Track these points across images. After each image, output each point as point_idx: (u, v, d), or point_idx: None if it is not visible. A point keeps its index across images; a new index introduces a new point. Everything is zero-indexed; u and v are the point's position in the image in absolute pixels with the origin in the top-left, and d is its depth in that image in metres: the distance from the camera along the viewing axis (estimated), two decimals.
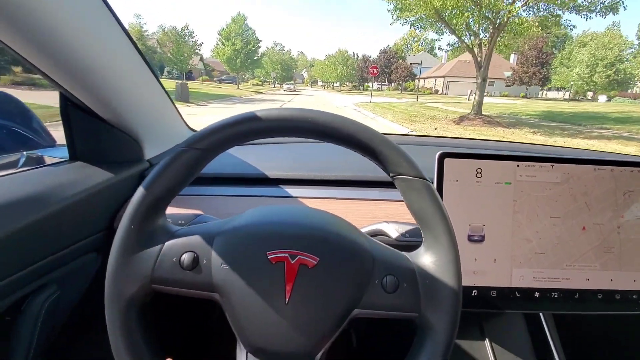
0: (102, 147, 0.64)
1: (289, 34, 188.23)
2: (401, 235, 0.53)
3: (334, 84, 65.91)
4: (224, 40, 36.59)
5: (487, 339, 0.66)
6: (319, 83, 79.62)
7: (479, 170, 0.54)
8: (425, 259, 0.39)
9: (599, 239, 0.56)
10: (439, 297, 0.37)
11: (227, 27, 36.81)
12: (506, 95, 41.57)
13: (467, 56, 49.78)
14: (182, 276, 0.36)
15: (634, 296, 0.57)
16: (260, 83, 54.91)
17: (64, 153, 0.63)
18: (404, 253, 0.40)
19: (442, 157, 0.54)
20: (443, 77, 44.30)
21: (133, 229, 0.36)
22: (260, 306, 0.35)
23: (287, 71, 58.35)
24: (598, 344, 0.83)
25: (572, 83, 32.46)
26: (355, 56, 52.05)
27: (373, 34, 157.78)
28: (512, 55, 49.04)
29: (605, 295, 0.56)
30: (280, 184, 0.73)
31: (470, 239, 0.54)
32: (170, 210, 0.51)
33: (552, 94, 41.30)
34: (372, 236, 0.45)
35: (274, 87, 54.76)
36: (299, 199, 0.68)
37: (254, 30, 35.83)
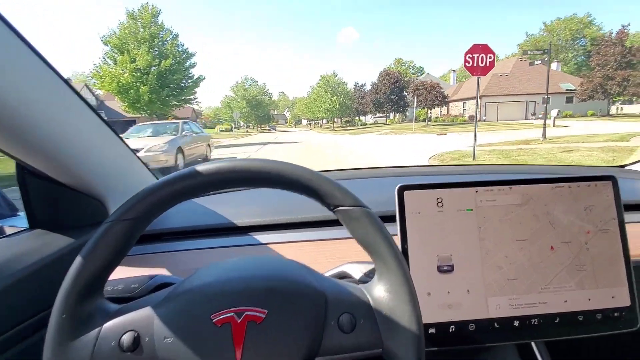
0: (63, 212, 0.65)
1: (270, 76, 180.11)
2: (364, 275, 0.52)
3: (322, 121, 53.24)
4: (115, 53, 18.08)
5: None
6: (304, 122, 68.07)
7: (439, 200, 0.56)
8: (379, 288, 0.39)
9: (569, 257, 0.57)
10: (399, 325, 0.37)
11: (120, 31, 17.81)
12: (569, 115, 28.42)
13: (503, 67, 37.07)
14: None
15: (615, 314, 0.57)
16: (228, 128, 41.11)
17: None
18: (360, 286, 0.41)
19: (402, 190, 0.56)
20: (479, 97, 30.12)
21: (65, 317, 0.35)
22: None
23: (260, 109, 44.52)
24: None
25: None
26: (345, 84, 39.17)
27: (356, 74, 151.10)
28: (555, 64, 36.37)
29: (585, 316, 0.56)
30: (250, 232, 0.75)
31: (440, 269, 0.55)
32: (126, 272, 0.56)
33: (629, 108, 28.24)
34: (336, 277, 0.48)
35: (246, 131, 40.48)
36: (269, 245, 0.70)
37: (176, 35, 19.01)
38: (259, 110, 46.18)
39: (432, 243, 0.55)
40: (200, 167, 0.38)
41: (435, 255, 0.55)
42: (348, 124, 47.47)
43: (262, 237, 0.72)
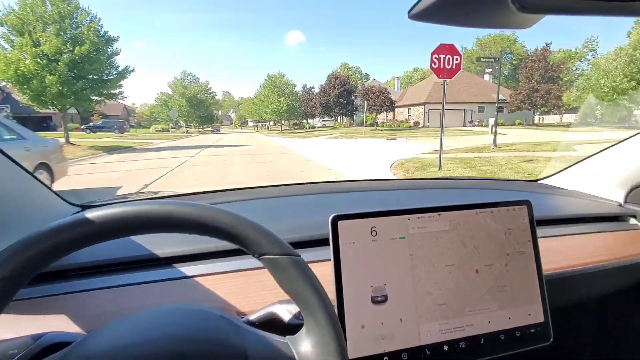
0: None
1: (214, 75, 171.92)
2: (294, 316, 0.50)
3: (269, 123, 51.63)
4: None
5: None
6: (250, 123, 65.77)
7: (373, 229, 0.57)
8: (306, 342, 0.38)
9: (492, 279, 0.60)
10: None
11: (20, 9, 13.16)
12: (501, 124, 30.71)
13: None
14: None
15: (531, 330, 0.61)
16: (165, 128, 37.48)
17: None
18: (286, 338, 0.40)
19: (336, 220, 0.55)
20: (423, 104, 31.59)
21: None
22: None
23: (202, 108, 41.34)
24: None
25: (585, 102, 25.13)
26: (294, 86, 38.13)
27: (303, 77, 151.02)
28: (487, 75, 39.45)
29: (506, 335, 0.60)
30: (175, 263, 0.67)
31: (374, 300, 0.55)
32: (13, 324, 0.50)
33: (548, 119, 31.73)
34: (264, 322, 0.47)
35: (186, 131, 37.35)
36: (196, 278, 0.63)
37: (95, 17, 14.83)
38: (200, 110, 43.07)
39: (366, 273, 0.55)
40: (98, 213, 0.33)
41: (369, 286, 0.55)
42: (296, 127, 46.71)
43: (188, 268, 0.65)
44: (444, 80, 7.00)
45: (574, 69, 35.20)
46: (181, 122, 44.63)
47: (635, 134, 1.01)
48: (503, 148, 11.45)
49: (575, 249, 0.84)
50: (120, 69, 15.50)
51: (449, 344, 0.57)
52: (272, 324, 0.49)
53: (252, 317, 0.50)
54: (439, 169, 7.42)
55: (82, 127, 29.93)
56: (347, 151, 13.93)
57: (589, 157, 1.16)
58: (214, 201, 0.94)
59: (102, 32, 14.54)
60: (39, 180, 0.72)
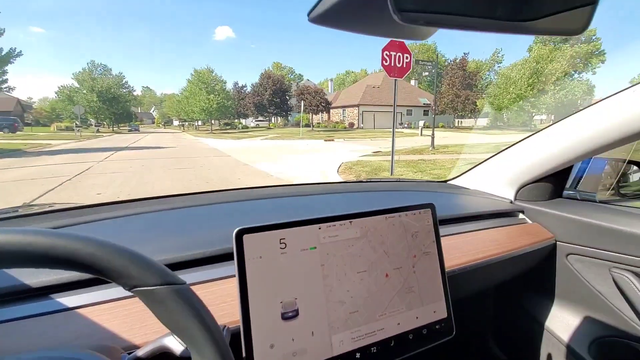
0: None
1: (131, 69, 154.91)
2: (186, 349, 0.44)
3: (197, 123, 48.15)
4: None
5: None
6: (175, 123, 60.81)
7: (282, 241, 0.55)
8: None
9: (400, 281, 0.62)
10: None
11: None
12: (427, 127, 33.08)
13: (375, 80, 40.27)
14: None
15: (437, 326, 0.64)
16: (70, 127, 32.17)
17: None
18: None
19: (240, 234, 0.51)
20: (357, 106, 32.32)
21: None
22: None
23: (116, 105, 36.56)
24: None
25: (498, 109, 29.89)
26: (224, 83, 35.89)
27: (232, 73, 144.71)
28: (413, 81, 42.18)
29: (414, 334, 0.62)
30: (52, 293, 0.57)
31: (284, 317, 0.53)
32: None
33: (465, 122, 34.97)
34: (154, 356, 0.43)
35: (97, 131, 32.59)
36: (77, 310, 0.54)
37: None
38: (115, 107, 38.10)
39: (275, 289, 0.53)
40: None
41: (279, 302, 0.53)
42: (228, 127, 44.47)
43: (67, 299, 0.56)
44: (395, 80, 6.54)
45: (484, 78, 39.18)
46: (91, 120, 38.88)
47: (524, 138, 1.13)
48: (441, 150, 11.72)
49: (474, 244, 0.91)
50: (2, 53, 12.32)
51: (361, 350, 0.57)
52: (163, 358, 0.44)
53: (140, 353, 0.44)
54: (391, 173, 6.96)
55: None
56: (286, 153, 13.03)
57: (489, 158, 1.28)
58: (113, 215, 0.85)
59: None
60: None
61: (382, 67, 6.56)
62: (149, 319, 0.54)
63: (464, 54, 34.91)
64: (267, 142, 19.58)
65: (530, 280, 1.14)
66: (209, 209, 0.97)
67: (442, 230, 0.68)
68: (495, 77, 36.10)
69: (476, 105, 32.04)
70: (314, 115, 35.99)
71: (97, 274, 0.31)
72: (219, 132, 35.22)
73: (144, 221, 0.85)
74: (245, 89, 43.89)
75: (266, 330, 0.51)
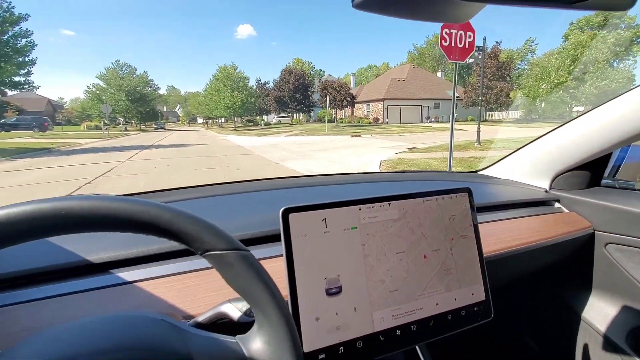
0: None
1: (156, 68, 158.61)
2: (244, 314, 0.47)
3: (220, 120, 48.13)
4: None
5: None
6: (200, 120, 61.42)
7: (325, 220, 0.57)
8: (258, 340, 0.37)
9: (439, 263, 0.64)
10: None
11: None
12: (456, 121, 31.04)
13: (400, 72, 38.69)
14: None
15: (475, 308, 0.66)
16: (99, 126, 32.60)
17: None
18: (237, 337, 0.38)
19: (286, 213, 0.54)
20: (382, 100, 31.00)
21: None
22: None
23: (143, 103, 36.79)
24: (462, 350, 1.07)
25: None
26: (247, 79, 35.31)
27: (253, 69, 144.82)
28: (439, 72, 40.27)
29: (453, 314, 0.64)
30: (112, 269, 0.62)
31: (328, 292, 0.55)
32: None
33: (497, 115, 33.05)
34: (213, 322, 0.45)
35: (125, 129, 32.89)
36: (136, 284, 0.59)
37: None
38: (142, 105, 38.38)
39: (319, 266, 0.56)
40: (5, 211, 0.29)
41: (323, 278, 0.56)
42: (250, 124, 44.13)
43: (127, 274, 0.61)
44: (456, 63, 5.46)
45: (515, 68, 36.75)
46: (120, 118, 39.46)
47: (558, 127, 1.10)
48: (488, 146, 10.49)
49: (509, 232, 0.92)
50: (19, 46, 11.88)
51: (401, 328, 0.59)
52: (222, 324, 0.47)
53: (199, 319, 0.47)
54: (449, 169, 5.93)
55: None
56: (315, 150, 12.16)
57: (520, 148, 1.25)
58: (171, 199, 0.90)
59: (5, 7, 11.00)
60: None
61: (440, 48, 5.55)
62: (201, 293, 0.58)
63: (496, 42, 32.74)
64: (292, 139, 19.04)
65: (566, 269, 1.12)
66: (255, 195, 1.00)
67: (477, 217, 0.69)
68: (528, 67, 33.68)
69: (509, 97, 30.02)
70: (337, 111, 34.95)
71: (174, 239, 0.34)
72: (242, 129, 35.21)
73: (197, 205, 0.89)
74: (267, 85, 43.42)
75: (312, 305, 0.53)
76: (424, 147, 11.46)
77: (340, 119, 37.56)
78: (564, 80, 24.90)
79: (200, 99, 44.09)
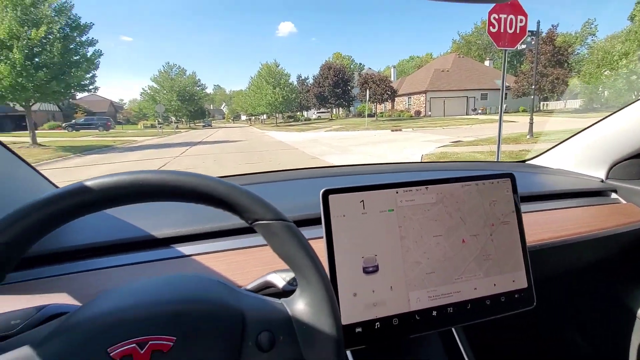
0: None
1: (203, 68, 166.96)
2: (288, 283, 0.52)
3: (262, 117, 49.36)
4: None
5: None
6: (243, 117, 63.59)
7: (363, 202, 0.59)
8: (300, 302, 0.39)
9: (478, 248, 0.64)
10: (319, 340, 0.37)
11: None
12: (505, 112, 28.93)
13: (444, 63, 36.93)
14: None
15: (516, 295, 0.65)
16: (154, 124, 35.04)
17: None
18: (281, 300, 0.41)
19: (326, 194, 0.57)
20: (424, 92, 29.69)
21: None
22: None
23: (192, 103, 38.76)
24: (501, 338, 1.03)
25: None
26: (288, 76, 35.78)
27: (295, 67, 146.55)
28: (487, 61, 37.59)
29: (492, 300, 0.63)
30: (172, 244, 0.70)
31: (365, 271, 0.58)
32: (14, 303, 0.52)
33: (552, 105, 30.21)
34: (259, 290, 0.49)
35: (176, 127, 34.98)
36: (193, 257, 0.67)
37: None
38: (191, 104, 40.47)
39: (357, 245, 0.58)
40: (95, 182, 0.34)
41: (361, 257, 0.58)
42: (291, 120, 44.71)
43: (184, 248, 0.69)
44: (505, 50, 5.12)
45: (574, 53, 33.34)
46: (172, 117, 42.04)
47: (614, 113, 1.05)
48: (540, 138, 9.70)
49: (559, 222, 0.88)
50: (88, 55, 13.23)
51: (438, 309, 0.60)
52: (268, 293, 0.51)
53: (248, 287, 0.53)
54: (497, 159, 5.62)
55: (63, 125, 27.73)
56: (354, 145, 12.10)
57: (574, 136, 1.19)
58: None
59: (72, 17, 12.25)
60: (27, 163, 0.75)
61: (489, 35, 5.23)
62: (248, 267, 0.64)
63: (552, 25, 29.93)
64: (331, 134, 19.04)
65: (620, 263, 1.05)
66: (296, 182, 1.04)
67: (524, 207, 0.68)
68: (588, 51, 30.43)
69: (566, 85, 27.40)
70: (377, 105, 34.30)
71: (228, 209, 0.38)
72: (283, 125, 35.78)
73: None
74: (307, 81, 43.72)
75: (349, 281, 0.56)
76: (469, 140, 10.88)
77: (380, 113, 36.84)
78: (633, 67, 22.22)
79: (243, 97, 45.58)
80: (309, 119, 43.42)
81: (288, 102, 37.40)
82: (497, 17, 5.02)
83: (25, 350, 0.31)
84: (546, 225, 0.86)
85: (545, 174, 1.19)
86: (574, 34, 36.67)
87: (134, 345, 0.32)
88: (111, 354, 0.31)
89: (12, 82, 10.73)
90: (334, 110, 43.85)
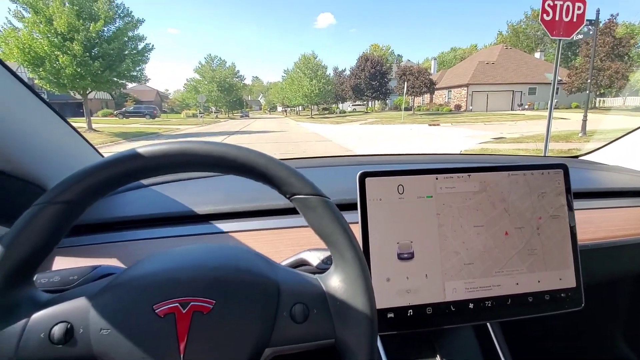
0: None
1: (242, 60, 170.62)
2: (322, 262, 0.53)
3: (298, 108, 49.73)
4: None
5: (438, 356, 0.66)
6: (279, 109, 64.45)
7: (400, 187, 0.57)
8: (335, 278, 0.40)
9: (522, 242, 0.60)
10: (352, 316, 0.37)
11: None
12: (556, 108, 26.38)
13: (489, 55, 34.91)
14: (53, 353, 0.32)
15: (562, 294, 0.61)
16: (195, 114, 36.56)
17: None
18: (316, 275, 0.42)
19: (363, 176, 0.56)
20: (466, 85, 28.19)
21: None
22: None
23: (231, 93, 39.87)
24: (541, 340, 0.98)
25: None
26: (325, 68, 35.51)
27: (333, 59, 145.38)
28: (537, 53, 34.79)
29: (535, 297, 0.60)
30: (211, 220, 0.73)
31: (400, 257, 0.56)
32: (71, 263, 0.56)
33: (610, 102, 27.50)
34: (294, 267, 0.49)
35: (216, 117, 36.27)
36: (230, 234, 0.70)
37: None
38: (230, 95, 41.69)
39: (392, 230, 0.57)
40: (147, 149, 0.36)
41: (396, 242, 0.57)
42: (326, 112, 44.65)
43: (223, 225, 0.71)
44: (559, 40, 4.72)
45: (637, 45, 30.00)
46: (212, 107, 43.61)
47: None
48: (595, 137, 8.91)
49: (615, 221, 0.82)
50: (139, 48, 14.12)
51: (475, 302, 0.57)
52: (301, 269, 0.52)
53: (284, 263, 0.54)
54: (545, 154, 5.25)
55: (115, 112, 29.67)
56: (391, 140, 11.79)
57: (632, 131, 1.11)
58: None
59: (124, 11, 13.13)
60: (78, 133, 0.78)
61: (541, 23, 4.85)
62: (282, 246, 0.66)
63: (612, 15, 27.06)
64: (366, 127, 18.80)
65: None
66: (332, 169, 1.05)
67: (577, 204, 0.63)
68: None
69: (628, 81, 24.81)
70: (415, 98, 33.23)
71: (267, 182, 0.38)
72: (318, 117, 35.83)
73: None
74: (344, 73, 43.26)
75: (383, 265, 0.55)
76: (513, 137, 10.24)
77: (418, 106, 35.67)
78: None
79: (279, 88, 46.04)
80: (344, 111, 43.07)
81: (324, 94, 37.33)
82: (551, 3, 4.59)
83: (82, 301, 0.34)
84: (601, 223, 0.80)
85: (600, 170, 1.12)
86: (637, 25, 33.07)
87: (177, 304, 0.34)
88: (156, 311, 0.34)
89: (73, 71, 11.88)
90: (370, 103, 43.13)
